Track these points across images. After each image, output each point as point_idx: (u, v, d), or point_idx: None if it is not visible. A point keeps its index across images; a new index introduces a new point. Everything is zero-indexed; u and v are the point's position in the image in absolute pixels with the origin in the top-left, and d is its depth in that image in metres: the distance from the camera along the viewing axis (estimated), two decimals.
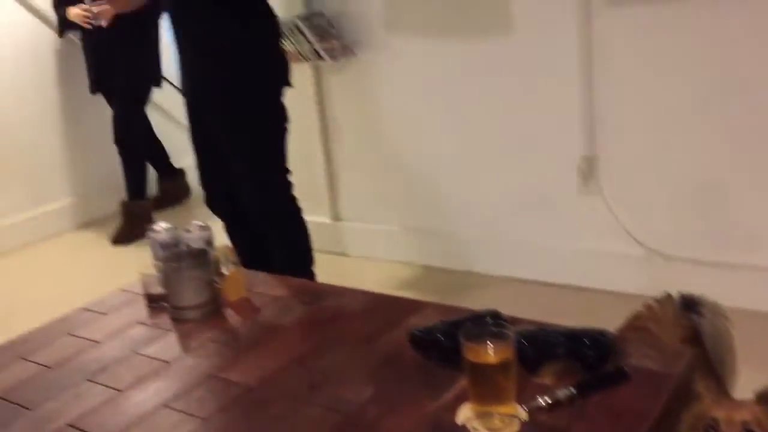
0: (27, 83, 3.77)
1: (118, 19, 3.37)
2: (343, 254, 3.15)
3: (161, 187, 4.09)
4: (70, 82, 3.88)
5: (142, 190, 3.77)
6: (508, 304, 1.37)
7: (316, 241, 2.99)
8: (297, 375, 1.30)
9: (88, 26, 3.39)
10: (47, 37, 3.81)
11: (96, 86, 3.68)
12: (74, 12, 3.39)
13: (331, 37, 2.83)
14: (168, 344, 1.47)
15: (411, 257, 2.99)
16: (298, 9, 2.91)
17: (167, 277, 1.58)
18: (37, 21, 3.79)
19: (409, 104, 2.85)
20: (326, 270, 2.45)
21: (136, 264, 1.68)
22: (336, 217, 3.19)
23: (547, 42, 2.46)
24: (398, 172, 2.96)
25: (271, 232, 2.32)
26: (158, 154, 4.01)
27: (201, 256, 1.60)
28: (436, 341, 1.27)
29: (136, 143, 3.75)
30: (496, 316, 1.29)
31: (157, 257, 1.70)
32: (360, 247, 3.13)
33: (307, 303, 1.60)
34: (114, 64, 3.56)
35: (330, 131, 3.09)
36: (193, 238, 1.70)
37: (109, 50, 3.54)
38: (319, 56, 2.84)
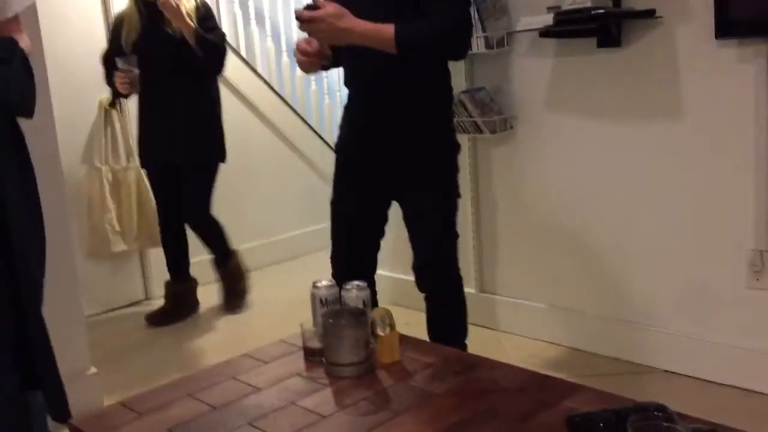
0: None
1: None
2: (486, 327, 3.12)
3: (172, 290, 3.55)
4: None
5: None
6: (665, 398, 1.30)
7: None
8: None
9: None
10: None
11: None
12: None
13: (491, 112, 2.89)
14: (323, 398, 1.52)
15: (558, 338, 2.91)
16: (463, 84, 3.00)
17: (326, 332, 1.64)
18: None
19: (566, 181, 2.82)
20: (470, 343, 2.43)
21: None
22: (482, 288, 3.18)
23: (720, 125, 2.37)
24: (547, 248, 2.92)
25: (452, 298, 2.29)
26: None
27: (360, 316, 1.65)
28: (598, 429, 1.23)
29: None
30: (662, 409, 1.23)
31: (317, 313, 1.77)
32: (505, 322, 3.09)
33: (459, 373, 1.60)
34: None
35: (482, 203, 3.11)
36: (352, 296, 1.76)
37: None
38: (479, 129, 2.90)
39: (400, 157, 2.14)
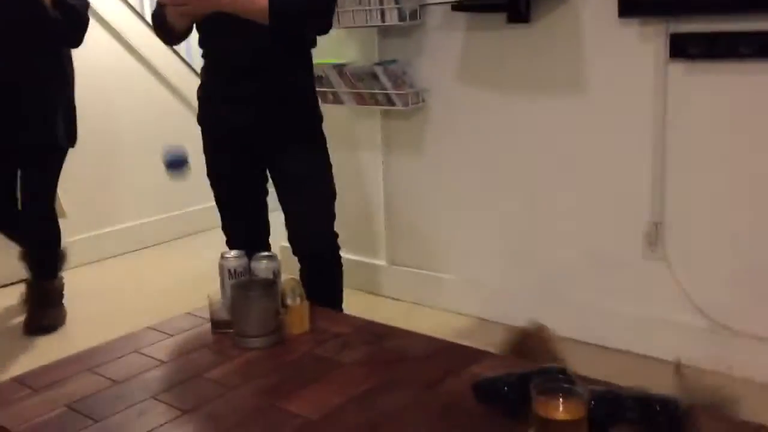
0: None
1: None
2: (395, 299, 3.15)
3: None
4: None
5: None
6: (566, 363, 1.35)
7: (371, 283, 2.99)
8: (357, 413, 1.30)
9: None
10: None
11: None
12: None
13: (404, 84, 2.89)
14: (231, 370, 1.49)
15: (464, 308, 2.98)
16: (374, 56, 2.98)
17: (235, 303, 1.61)
18: None
19: (474, 155, 2.87)
20: (379, 314, 2.45)
21: None
22: (392, 261, 3.21)
23: (621, 103, 2.46)
24: (455, 221, 2.97)
25: (334, 263, 2.36)
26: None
27: (270, 286, 1.63)
28: (502, 393, 1.26)
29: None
30: (563, 372, 1.27)
31: (225, 284, 1.74)
32: (412, 293, 3.13)
33: (369, 342, 1.61)
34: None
35: (392, 175, 3.13)
36: (261, 267, 1.73)
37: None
38: (391, 101, 2.90)
39: (271, 127, 2.20)
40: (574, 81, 2.55)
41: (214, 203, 2.38)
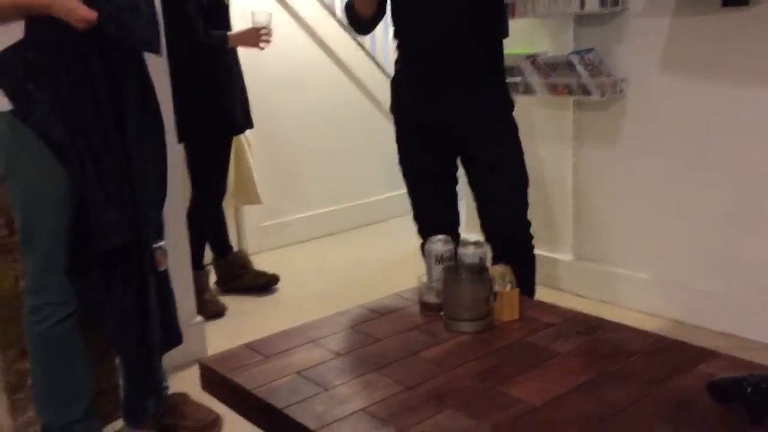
0: None
1: None
2: (580, 295, 3.06)
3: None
4: None
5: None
6: None
7: (557, 279, 2.90)
8: (583, 403, 1.27)
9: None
10: None
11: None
12: None
13: (601, 74, 2.79)
14: (445, 352, 1.51)
15: (659, 309, 2.82)
16: (569, 45, 2.91)
17: (447, 287, 1.63)
18: None
19: (676, 149, 2.71)
20: None
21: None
22: (578, 256, 3.11)
23: None
24: (652, 217, 2.82)
25: (529, 249, 2.35)
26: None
27: (480, 272, 1.63)
28: (745, 394, 1.18)
29: None
30: None
31: (432, 268, 1.77)
32: (601, 291, 3.02)
33: (583, 333, 1.57)
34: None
35: (582, 167, 3.03)
36: (469, 253, 1.74)
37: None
38: (586, 91, 2.81)
39: (464, 113, 2.21)
40: None
41: (398, 192, 2.42)
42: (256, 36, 3.02)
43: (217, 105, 3.01)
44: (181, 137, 2.73)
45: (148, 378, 1.96)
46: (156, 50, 1.86)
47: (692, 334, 2.65)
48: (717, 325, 2.65)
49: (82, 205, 1.73)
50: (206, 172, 3.13)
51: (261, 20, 3.01)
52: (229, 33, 3.01)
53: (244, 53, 3.18)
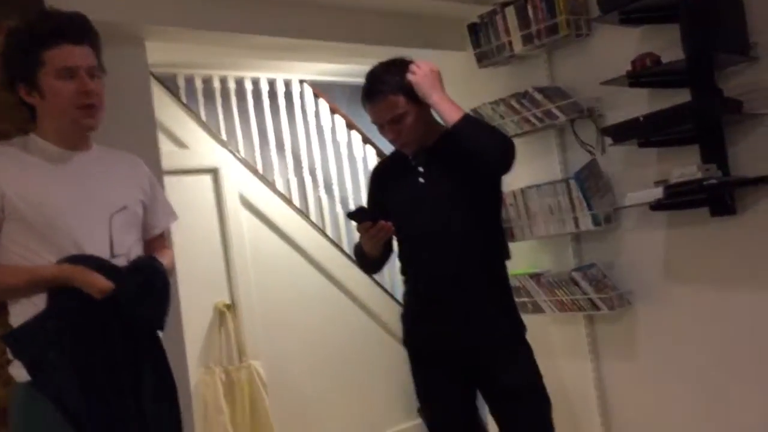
0: None
1: None
2: None
3: None
4: None
5: None
6: None
7: None
8: None
9: None
10: None
11: None
12: None
13: (606, 288, 2.84)
14: None
15: None
16: (571, 262, 2.99)
17: None
18: None
19: (694, 355, 2.67)
20: None
21: None
22: None
23: None
24: (690, 426, 2.70)
25: None
26: None
27: None
28: None
29: None
30: None
31: None
32: None
33: None
34: None
35: (604, 383, 2.96)
36: None
37: None
38: (595, 306, 2.84)
39: (478, 340, 2.20)
40: None
41: (416, 422, 2.35)
42: None
43: None
44: None
45: None
46: (160, 328, 1.90)
47: None
48: None
49: None
50: None
51: None
52: None
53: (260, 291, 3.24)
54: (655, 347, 2.79)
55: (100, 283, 1.73)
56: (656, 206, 2.54)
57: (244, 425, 3.56)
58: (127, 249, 1.83)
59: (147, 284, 1.84)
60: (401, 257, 2.36)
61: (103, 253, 1.76)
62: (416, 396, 2.35)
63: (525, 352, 2.28)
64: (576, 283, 2.86)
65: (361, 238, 2.20)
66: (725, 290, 2.57)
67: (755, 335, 2.51)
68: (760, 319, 2.48)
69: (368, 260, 2.32)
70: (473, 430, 2.33)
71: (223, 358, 3.64)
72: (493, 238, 2.32)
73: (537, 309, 3.03)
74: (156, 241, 1.99)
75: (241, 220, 3.83)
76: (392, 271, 4.58)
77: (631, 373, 2.88)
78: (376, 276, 4.52)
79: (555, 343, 3.11)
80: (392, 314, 3.99)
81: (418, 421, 3.31)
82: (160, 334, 1.89)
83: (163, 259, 1.93)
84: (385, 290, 4.51)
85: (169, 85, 3.76)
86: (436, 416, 2.32)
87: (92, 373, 1.73)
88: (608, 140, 2.76)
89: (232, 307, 3.71)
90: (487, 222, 2.28)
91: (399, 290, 2.65)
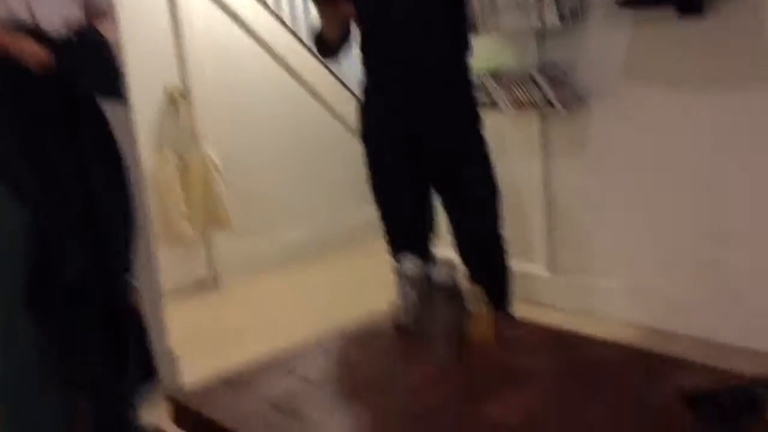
0: None
1: None
2: (558, 308, 3.06)
3: None
4: None
5: None
6: None
7: (534, 292, 2.90)
8: (560, 421, 1.26)
9: None
10: None
11: None
12: None
13: (564, 87, 2.81)
14: (421, 374, 1.49)
15: (637, 318, 2.84)
16: (532, 60, 2.93)
17: (420, 310, 1.62)
18: None
19: (643, 156, 2.73)
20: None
21: None
22: (554, 268, 3.12)
23: None
24: (624, 225, 2.84)
25: (504, 267, 2.36)
26: None
27: (455, 294, 1.62)
28: (721, 405, 1.18)
29: None
30: None
31: (404, 290, 1.75)
32: (577, 302, 3.02)
33: (559, 350, 1.56)
34: None
35: (554, 181, 3.05)
36: (441, 274, 1.72)
37: None
38: (551, 105, 2.84)
39: (439, 127, 2.22)
40: (753, 76, 2.37)
41: (370, 212, 2.42)
42: None
43: None
44: None
45: (121, 421, 1.92)
46: (114, 95, 1.83)
47: (669, 341, 2.67)
48: (693, 331, 2.66)
49: (42, 240, 1.69)
50: None
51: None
52: None
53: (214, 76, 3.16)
54: (606, 146, 2.83)
55: (38, 55, 1.64)
56: (623, 2, 2.44)
57: (197, 207, 3.61)
58: (64, 19, 1.71)
59: (89, 53, 1.74)
60: (362, 44, 2.28)
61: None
62: (368, 185, 2.38)
63: (480, 143, 2.31)
64: (535, 82, 2.83)
65: (319, 16, 2.14)
66: (686, 93, 2.57)
67: (711, 139, 2.54)
68: (719, 123, 2.50)
69: (326, 44, 2.25)
70: (422, 219, 2.40)
71: (178, 145, 3.61)
72: (457, 27, 2.26)
73: (494, 106, 3.01)
74: (99, 14, 1.87)
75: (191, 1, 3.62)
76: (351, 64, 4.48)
77: (579, 170, 2.94)
78: (334, 69, 4.42)
79: (508, 140, 3.13)
80: (349, 107, 3.94)
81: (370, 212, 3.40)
82: (110, 110, 1.84)
83: (106, 32, 1.83)
84: (343, 84, 4.42)
85: None
86: (387, 203, 2.38)
87: (35, 145, 1.69)
88: None
89: (186, 93, 3.61)
90: (452, 9, 2.22)
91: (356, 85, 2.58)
